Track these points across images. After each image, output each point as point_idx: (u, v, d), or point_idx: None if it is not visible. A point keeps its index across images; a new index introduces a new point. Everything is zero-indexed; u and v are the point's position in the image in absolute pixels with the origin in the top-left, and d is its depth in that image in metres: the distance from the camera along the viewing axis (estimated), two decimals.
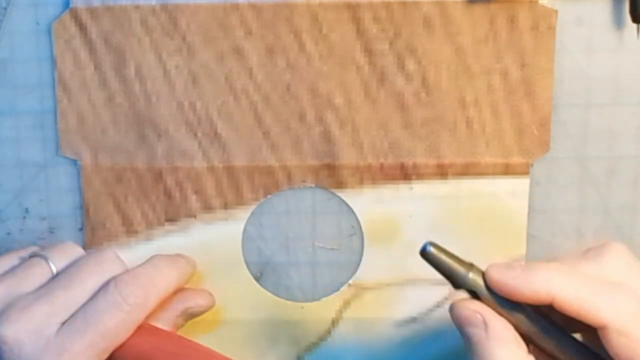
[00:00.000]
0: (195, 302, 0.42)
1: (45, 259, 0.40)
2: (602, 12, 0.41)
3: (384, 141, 0.42)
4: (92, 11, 0.41)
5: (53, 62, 0.42)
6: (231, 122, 0.42)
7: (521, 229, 0.42)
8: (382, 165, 0.42)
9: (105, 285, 0.38)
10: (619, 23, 0.41)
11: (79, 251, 0.41)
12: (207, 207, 0.43)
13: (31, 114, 0.42)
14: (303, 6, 0.41)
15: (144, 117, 0.42)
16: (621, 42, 0.41)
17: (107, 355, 0.37)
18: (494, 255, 0.42)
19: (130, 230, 0.43)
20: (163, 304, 0.40)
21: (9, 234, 0.43)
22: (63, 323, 0.37)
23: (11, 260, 0.41)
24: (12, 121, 0.42)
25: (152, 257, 0.41)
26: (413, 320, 0.43)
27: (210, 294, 0.43)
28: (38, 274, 0.39)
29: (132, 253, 0.42)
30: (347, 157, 0.42)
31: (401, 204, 0.42)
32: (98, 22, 0.41)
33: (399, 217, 0.42)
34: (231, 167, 0.42)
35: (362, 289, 0.43)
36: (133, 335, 0.38)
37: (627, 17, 0.40)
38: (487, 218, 0.42)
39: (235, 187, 0.42)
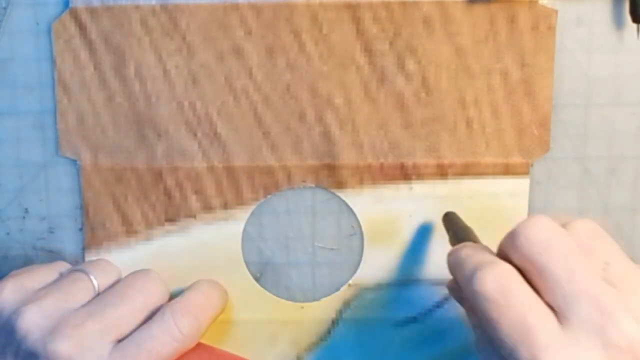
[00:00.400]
0: None
1: (87, 274, 0.40)
2: (602, 12, 0.41)
3: (384, 141, 0.42)
4: (92, 11, 0.41)
5: (53, 62, 0.42)
6: (231, 122, 0.42)
7: None
8: (382, 165, 0.42)
9: (160, 314, 0.38)
10: (619, 23, 0.41)
11: (115, 267, 0.42)
12: (207, 207, 0.43)
13: (31, 114, 0.42)
14: (303, 6, 0.41)
15: (144, 117, 0.42)
16: (621, 42, 0.41)
17: None
18: None
19: (130, 230, 0.43)
20: None
21: (8, 234, 0.43)
22: (116, 341, 0.37)
23: (49, 273, 0.41)
24: (12, 121, 0.42)
25: (196, 283, 0.42)
26: (413, 320, 0.43)
27: None
28: (83, 289, 0.39)
29: (132, 253, 0.42)
30: (347, 157, 0.42)
31: (401, 204, 0.42)
32: (98, 22, 0.41)
33: (399, 217, 0.42)
34: (231, 167, 0.42)
35: (362, 289, 0.43)
36: (187, 353, 0.39)
37: (627, 17, 0.40)
38: (487, 218, 0.42)
39: (235, 187, 0.42)
